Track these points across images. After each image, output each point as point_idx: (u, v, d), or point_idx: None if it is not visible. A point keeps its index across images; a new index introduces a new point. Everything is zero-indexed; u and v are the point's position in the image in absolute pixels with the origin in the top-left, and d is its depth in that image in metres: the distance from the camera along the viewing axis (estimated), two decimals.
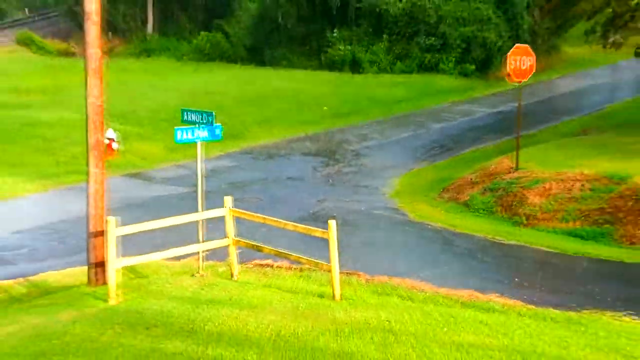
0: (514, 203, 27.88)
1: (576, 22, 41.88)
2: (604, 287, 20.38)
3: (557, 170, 28.84)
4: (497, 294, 19.15)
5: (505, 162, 31.10)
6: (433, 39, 62.55)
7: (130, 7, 79.59)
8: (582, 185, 27.12)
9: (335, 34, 64.79)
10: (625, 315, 16.87)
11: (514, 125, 32.44)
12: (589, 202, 26.19)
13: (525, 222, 26.78)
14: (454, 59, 61.99)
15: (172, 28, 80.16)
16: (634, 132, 37.23)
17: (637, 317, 16.76)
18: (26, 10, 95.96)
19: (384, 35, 64.44)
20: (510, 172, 30.04)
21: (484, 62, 61.52)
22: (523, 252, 24.19)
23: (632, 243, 24.03)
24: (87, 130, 19.23)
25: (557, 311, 16.94)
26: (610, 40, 36.91)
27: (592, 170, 27.85)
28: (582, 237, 24.94)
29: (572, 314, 16.71)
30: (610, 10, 35.42)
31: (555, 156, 31.86)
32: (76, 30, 68.22)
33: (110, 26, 53.06)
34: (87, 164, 19.43)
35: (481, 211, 28.40)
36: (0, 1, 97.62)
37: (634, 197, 25.21)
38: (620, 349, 13.67)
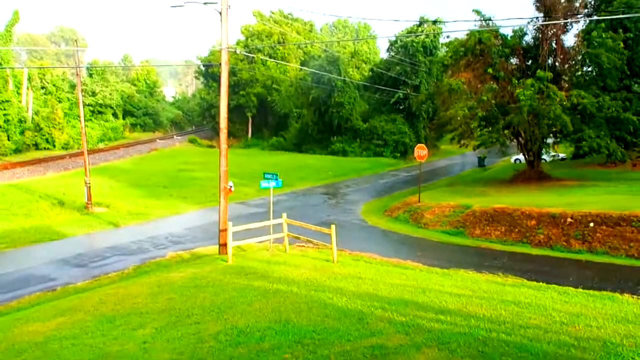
0: (418, 217, 27.64)
1: (446, 134, 42.03)
2: (460, 257, 20.21)
3: (438, 202, 28.64)
4: (410, 260, 18.98)
5: (414, 198, 30.87)
6: (380, 141, 62.63)
7: (241, 125, 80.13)
8: (450, 209, 26.90)
9: (334, 138, 64.90)
10: (470, 270, 16.69)
11: (417, 181, 32.28)
12: (453, 217, 25.95)
13: (423, 226, 26.53)
14: (389, 150, 62.02)
15: (259, 135, 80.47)
16: (472, 185, 37.12)
17: (475, 271, 16.59)
18: (193, 126, 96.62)
19: (357, 139, 64.53)
20: (416, 203, 29.83)
21: (403, 152, 61.44)
22: (422, 241, 23.93)
23: (473, 236, 23.77)
24: (219, 181, 19.17)
25: (438, 269, 16.75)
26: (462, 143, 36.81)
27: (454, 202, 27.65)
28: (450, 234, 24.64)
29: (445, 270, 16.51)
30: (459, 131, 35.37)
31: (437, 195, 31.68)
32: (215, 136, 68.66)
33: (230, 133, 53.11)
34: (219, 197, 19.36)
35: (403, 221, 28.17)
36: (183, 123, 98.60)
37: (472, 215, 25.01)
38: (467, 287, 13.52)
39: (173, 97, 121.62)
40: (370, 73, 71.42)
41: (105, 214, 30.59)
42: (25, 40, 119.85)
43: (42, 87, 70.71)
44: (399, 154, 61.61)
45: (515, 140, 36.30)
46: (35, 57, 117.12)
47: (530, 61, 35.19)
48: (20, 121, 61.48)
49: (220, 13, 19.23)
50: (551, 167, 41.41)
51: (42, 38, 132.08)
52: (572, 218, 21.67)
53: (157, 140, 77.28)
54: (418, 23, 62.96)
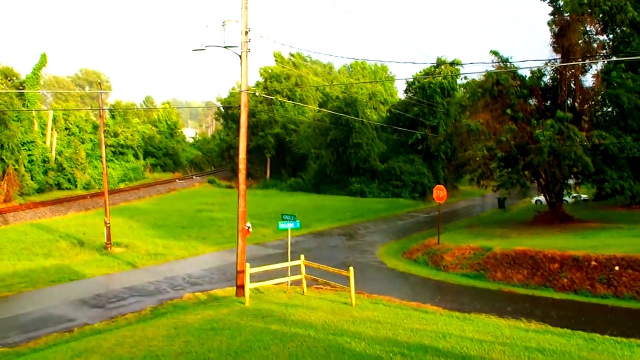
0: (438, 260, 27.28)
1: (465, 175, 41.71)
2: (481, 301, 19.77)
3: (458, 244, 28.25)
4: (429, 304, 18.63)
5: (433, 240, 30.51)
6: (398, 182, 62.55)
7: (259, 166, 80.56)
8: (470, 251, 26.52)
9: (352, 179, 64.90)
10: (491, 315, 16.32)
11: (437, 223, 31.97)
12: (473, 259, 25.55)
13: (443, 269, 26.16)
14: (408, 191, 61.85)
15: (277, 175, 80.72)
16: (493, 227, 36.66)
17: (497, 316, 16.22)
18: (212, 167, 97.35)
19: (376, 180, 64.49)
20: (435, 245, 29.48)
21: (422, 193, 61.15)
22: (442, 284, 23.57)
23: (494, 280, 23.34)
24: (237, 222, 19.14)
25: (458, 313, 16.42)
26: (481, 184, 36.57)
27: (474, 244, 27.26)
28: (470, 277, 24.24)
29: (466, 314, 16.17)
30: (479, 172, 35.16)
31: (456, 237, 31.28)
32: (234, 177, 69.11)
33: (249, 174, 53.46)
34: (237, 238, 19.30)
35: (422, 264, 27.81)
36: (202, 163, 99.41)
37: (494, 257, 24.60)
38: (490, 332, 13.17)
39: (193, 137, 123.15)
40: (388, 114, 71.82)
41: (124, 254, 30.67)
42: (51, 82, 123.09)
43: (66, 128, 72.08)
44: (417, 195, 61.33)
45: (535, 181, 35.97)
46: (60, 98, 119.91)
47: (549, 102, 35.13)
48: (44, 161, 62.54)
49: (240, 56, 19.58)
50: (573, 208, 40.84)
51: (67, 80, 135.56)
52: (596, 261, 21.19)
53: (177, 181, 77.98)
54: (435, 64, 63.49)
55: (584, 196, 48.48)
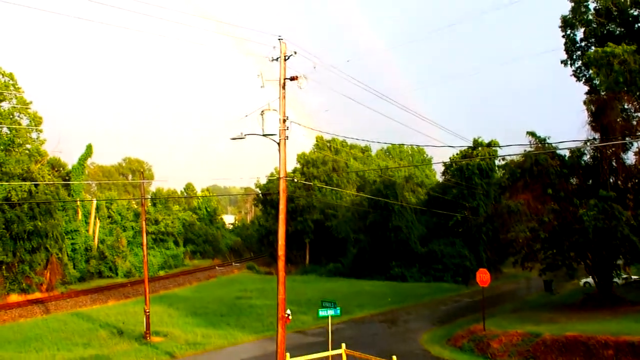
0: (484, 347, 26.39)
1: (508, 257, 40.76)
2: None
3: (504, 329, 27.37)
4: None
5: (478, 325, 29.58)
6: (440, 265, 61.66)
7: (299, 250, 80.00)
8: (518, 337, 25.59)
9: (393, 263, 64.17)
10: None
11: (481, 307, 31.12)
12: (522, 346, 24.62)
13: (490, 356, 25.26)
14: (450, 275, 60.74)
15: (316, 260, 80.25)
16: (540, 311, 35.43)
17: None
18: (251, 253, 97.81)
19: (416, 264, 63.64)
20: (481, 331, 28.56)
21: (464, 276, 59.81)
22: None
23: None
24: (277, 310, 19.06)
25: None
26: (525, 266, 35.74)
27: (522, 329, 26.34)
28: None
29: None
30: (522, 254, 34.52)
31: (503, 322, 30.28)
32: (273, 262, 69.17)
33: (288, 260, 53.87)
34: (277, 326, 19.15)
35: (467, 351, 26.91)
36: (241, 249, 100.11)
37: (543, 344, 23.65)
38: None
39: (232, 224, 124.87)
40: (427, 196, 71.86)
41: (163, 344, 30.58)
42: (96, 172, 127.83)
43: (109, 216, 74.14)
44: (460, 279, 60.04)
45: (582, 262, 34.93)
46: (104, 187, 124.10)
47: (590, 180, 34.71)
48: (86, 249, 64.05)
49: (278, 144, 20.18)
50: (624, 290, 39.20)
51: (111, 169, 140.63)
52: None
53: (216, 267, 78.43)
54: (472, 146, 63.85)
55: (635, 277, 46.63)
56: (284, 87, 19.72)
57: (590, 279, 41.37)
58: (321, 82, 21.37)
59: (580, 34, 40.58)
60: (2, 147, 50.52)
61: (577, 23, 40.11)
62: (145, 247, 35.54)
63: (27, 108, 52.21)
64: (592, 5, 39.43)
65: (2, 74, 50.99)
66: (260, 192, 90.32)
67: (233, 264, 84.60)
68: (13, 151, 51.31)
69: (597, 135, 33.43)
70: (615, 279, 39.37)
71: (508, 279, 62.74)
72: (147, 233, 52.56)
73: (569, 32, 40.68)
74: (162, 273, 70.68)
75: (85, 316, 40.76)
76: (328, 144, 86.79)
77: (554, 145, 35.44)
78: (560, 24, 40.90)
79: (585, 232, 29.31)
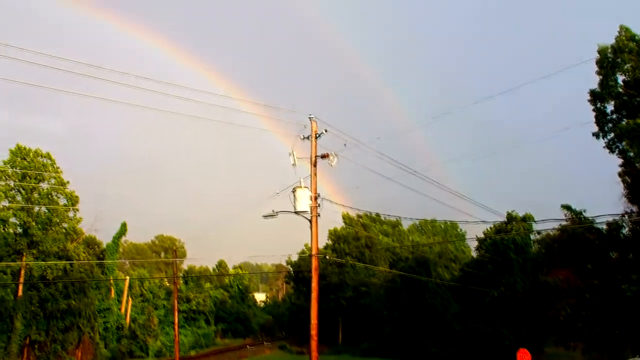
0: None
1: (550, 337, 39.19)
2: None
3: None
4: None
5: None
6: (477, 344, 59.40)
7: (331, 329, 78.59)
8: None
9: (429, 342, 61.96)
10: None
11: None
12: None
13: None
14: (489, 355, 58.38)
15: (350, 339, 77.84)
16: None
17: None
18: (283, 332, 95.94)
19: (453, 343, 61.30)
20: None
21: (504, 356, 57.39)
22: None
23: None
24: None
25: None
26: (568, 345, 34.28)
27: None
28: None
29: None
30: (564, 332, 33.26)
31: None
32: (305, 341, 67.38)
33: (320, 338, 53.05)
34: None
35: None
36: (273, 328, 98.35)
37: None
38: None
39: (263, 301, 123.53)
40: (461, 273, 70.24)
41: None
42: (130, 249, 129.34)
43: (141, 294, 74.18)
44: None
45: (629, 342, 33.37)
46: (137, 264, 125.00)
47: (631, 254, 33.71)
48: (117, 328, 63.78)
49: (310, 221, 20.33)
50: None
51: (144, 246, 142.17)
52: None
53: (247, 347, 77.04)
54: (506, 221, 62.87)
55: None
56: (315, 165, 20.12)
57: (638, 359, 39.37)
58: (351, 159, 21.71)
59: (610, 106, 40.61)
60: (40, 227, 51.70)
61: (607, 96, 40.22)
62: (176, 327, 35.39)
63: (64, 188, 53.72)
64: (620, 78, 39.65)
65: (41, 155, 52.92)
66: (291, 269, 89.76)
67: (264, 343, 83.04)
68: (50, 230, 52.41)
69: (634, 208, 32.81)
70: None
71: (550, 358, 59.93)
72: (179, 311, 52.38)
73: (598, 104, 40.71)
74: (192, 353, 69.63)
75: None
76: (359, 219, 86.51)
77: (590, 218, 34.81)
78: (589, 98, 41.04)
79: (629, 308, 28.22)
